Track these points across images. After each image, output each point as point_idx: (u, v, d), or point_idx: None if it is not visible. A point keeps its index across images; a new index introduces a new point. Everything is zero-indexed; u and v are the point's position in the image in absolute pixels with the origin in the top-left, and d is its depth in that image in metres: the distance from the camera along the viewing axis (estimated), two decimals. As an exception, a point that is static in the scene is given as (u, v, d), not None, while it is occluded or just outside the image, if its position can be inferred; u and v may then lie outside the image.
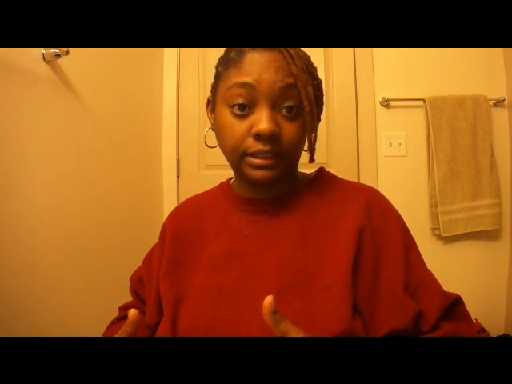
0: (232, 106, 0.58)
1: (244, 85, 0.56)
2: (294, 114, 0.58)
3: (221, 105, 0.60)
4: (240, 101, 0.57)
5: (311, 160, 0.67)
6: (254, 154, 0.57)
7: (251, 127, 0.57)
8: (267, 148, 0.56)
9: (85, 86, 1.20)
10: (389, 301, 0.55)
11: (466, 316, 0.59)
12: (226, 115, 0.59)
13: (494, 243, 1.71)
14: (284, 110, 0.58)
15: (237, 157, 0.59)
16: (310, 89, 0.58)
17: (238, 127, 0.58)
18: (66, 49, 1.00)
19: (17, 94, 0.93)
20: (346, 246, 0.56)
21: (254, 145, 0.57)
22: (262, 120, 0.56)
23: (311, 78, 0.60)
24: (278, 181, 0.60)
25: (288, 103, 0.57)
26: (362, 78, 1.77)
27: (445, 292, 0.58)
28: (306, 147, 0.65)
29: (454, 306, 0.58)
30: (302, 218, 0.62)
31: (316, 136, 0.64)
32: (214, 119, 0.64)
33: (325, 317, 0.53)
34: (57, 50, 1.00)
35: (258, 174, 0.58)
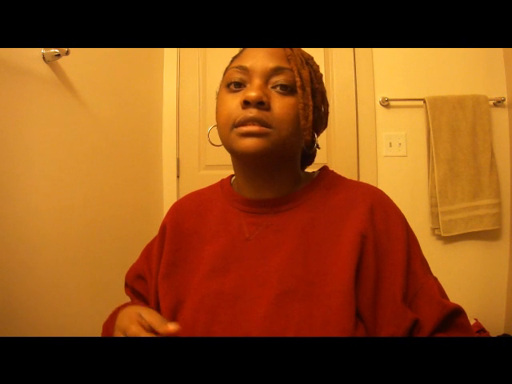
0: (229, 85, 0.61)
1: (240, 67, 0.60)
2: (288, 91, 0.59)
3: (221, 90, 0.63)
4: (235, 79, 0.60)
5: (306, 142, 0.62)
6: (242, 123, 0.57)
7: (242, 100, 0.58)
8: (253, 114, 0.56)
9: (85, 85, 1.20)
10: (388, 309, 0.54)
11: (465, 328, 0.56)
12: (223, 95, 0.62)
13: (494, 243, 1.71)
14: (278, 88, 0.59)
15: (227, 131, 0.59)
16: (303, 71, 0.60)
17: (231, 101, 0.60)
18: (66, 49, 1.00)
19: (17, 94, 0.93)
20: (349, 254, 0.55)
21: (241, 113, 0.58)
22: (251, 89, 0.58)
23: (307, 65, 0.62)
24: (267, 154, 0.57)
25: (281, 81, 0.59)
26: (362, 78, 1.77)
27: (444, 301, 0.56)
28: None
29: (454, 316, 0.55)
30: (304, 221, 0.60)
31: (312, 117, 0.59)
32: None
33: (325, 326, 0.51)
34: (57, 50, 1.00)
35: (246, 142, 0.57)
